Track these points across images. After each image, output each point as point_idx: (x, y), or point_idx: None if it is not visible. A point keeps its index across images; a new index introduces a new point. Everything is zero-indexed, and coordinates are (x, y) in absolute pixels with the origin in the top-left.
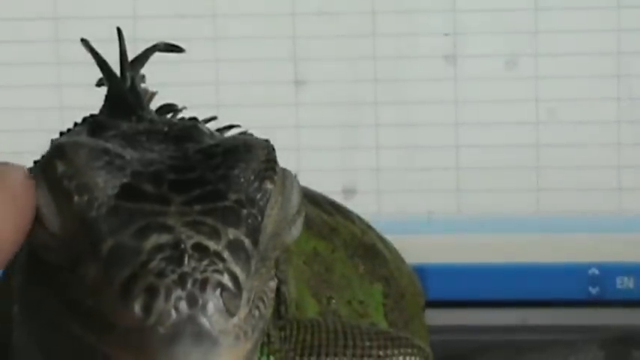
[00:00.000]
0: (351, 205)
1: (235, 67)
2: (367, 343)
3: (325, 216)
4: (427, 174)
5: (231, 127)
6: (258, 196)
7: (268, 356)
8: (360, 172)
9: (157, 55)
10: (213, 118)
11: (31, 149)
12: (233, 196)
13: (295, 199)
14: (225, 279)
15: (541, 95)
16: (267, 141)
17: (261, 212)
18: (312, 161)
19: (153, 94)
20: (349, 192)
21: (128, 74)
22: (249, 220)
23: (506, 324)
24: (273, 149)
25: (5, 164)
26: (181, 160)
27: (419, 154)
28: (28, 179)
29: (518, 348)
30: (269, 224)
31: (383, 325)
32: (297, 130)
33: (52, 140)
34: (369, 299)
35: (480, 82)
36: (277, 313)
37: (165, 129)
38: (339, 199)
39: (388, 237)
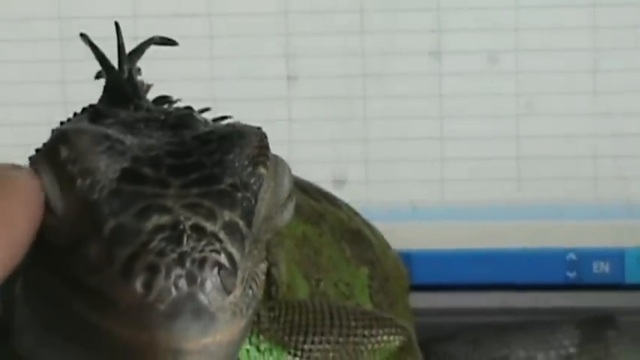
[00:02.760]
0: (341, 194)
1: (230, 63)
2: (353, 323)
3: (313, 203)
4: (413, 165)
5: (224, 117)
6: (252, 180)
7: (258, 335)
8: (350, 163)
9: (157, 51)
10: (207, 109)
11: (37, 141)
12: (228, 180)
13: (287, 184)
14: (222, 258)
15: (521, 89)
16: (259, 129)
17: (255, 196)
18: (304, 153)
19: (149, 87)
20: (339, 182)
21: (126, 66)
22: (244, 203)
23: (487, 306)
24: (266, 137)
25: (13, 168)
26: (179, 146)
27: (405, 145)
28: (37, 181)
29: (499, 328)
30: (262, 208)
31: (368, 306)
32: (290, 124)
33: (53, 130)
34: (355, 281)
35: (463, 77)
36: (268, 294)
37: (162, 117)
38: (329, 188)
39: (375, 224)
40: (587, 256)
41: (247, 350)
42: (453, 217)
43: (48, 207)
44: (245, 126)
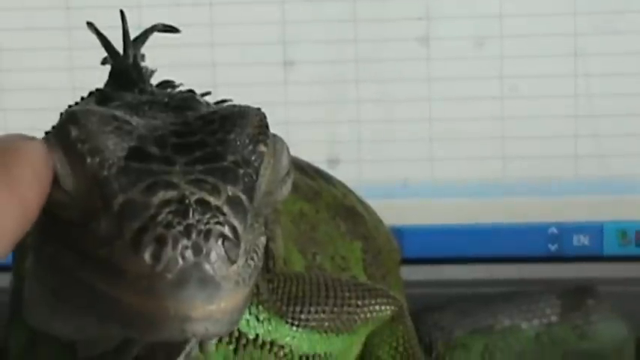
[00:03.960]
0: (335, 173)
1: (230, 50)
2: (347, 294)
3: (309, 181)
4: (403, 144)
5: (224, 101)
6: (253, 157)
7: (257, 306)
8: (343, 143)
9: (161, 39)
10: (208, 93)
11: (46, 126)
12: (231, 158)
13: (285, 161)
14: (226, 230)
15: (505, 72)
16: (259, 109)
17: (256, 172)
18: (300, 134)
19: (153, 72)
20: (333, 162)
21: (130, 52)
22: (246, 179)
23: (474, 278)
24: (265, 117)
25: (24, 138)
26: (183, 126)
27: (396, 126)
28: (46, 151)
29: (485, 298)
30: (263, 183)
31: (362, 277)
32: (286, 107)
33: (62, 113)
34: (350, 255)
35: (450, 62)
36: (266, 268)
37: (166, 100)
38: (324, 168)
39: (368, 201)
40: (567, 230)
41: (247, 320)
42: (442, 193)
43: (59, 184)
44: (246, 106)
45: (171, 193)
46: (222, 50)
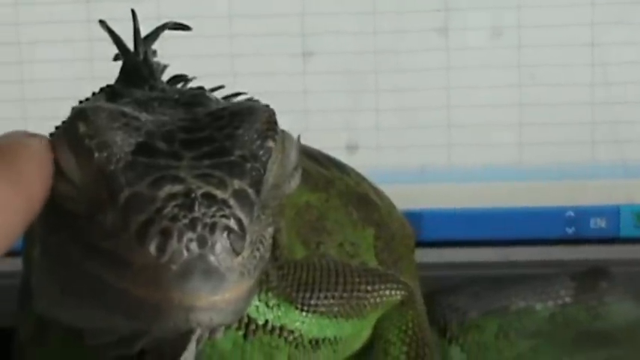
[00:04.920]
0: (354, 159)
1: (250, 41)
2: (356, 280)
3: (323, 170)
4: (422, 131)
5: (238, 94)
6: (261, 152)
7: (267, 292)
8: (362, 131)
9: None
10: (222, 87)
11: (65, 115)
12: (238, 152)
13: (294, 156)
14: (232, 223)
15: (523, 61)
16: (267, 106)
17: (264, 166)
18: (320, 122)
19: (165, 67)
20: (352, 148)
21: (141, 49)
22: (253, 173)
23: (493, 260)
24: (274, 113)
25: (28, 137)
26: (191, 122)
27: (414, 114)
28: (47, 146)
29: (500, 281)
30: (270, 177)
31: (373, 263)
32: (306, 96)
33: (73, 107)
34: (361, 242)
35: (468, 52)
36: (274, 257)
37: (176, 96)
38: (343, 154)
39: (387, 187)
40: (584, 213)
41: (257, 306)
42: (459, 179)
43: (66, 178)
44: (255, 103)
45: (177, 187)
46: (242, 41)
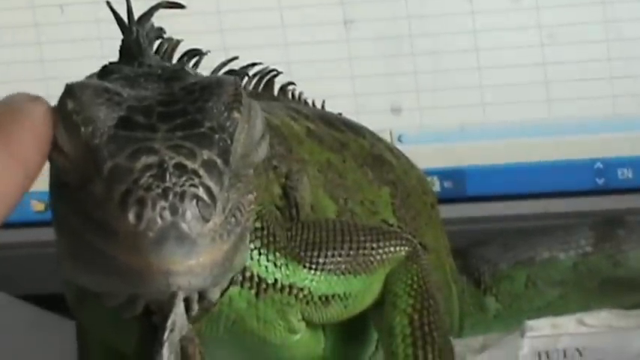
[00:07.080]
0: (399, 120)
1: (298, 11)
2: (362, 238)
3: (337, 134)
4: (457, 92)
5: (254, 64)
6: (228, 123)
7: (274, 253)
8: (404, 93)
9: (231, 3)
10: (236, 58)
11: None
12: (207, 124)
13: (259, 125)
14: (200, 191)
15: (542, 22)
16: (235, 79)
17: (231, 137)
18: (365, 87)
19: (177, 42)
20: (396, 110)
21: (134, 27)
22: (221, 144)
23: (528, 213)
24: (240, 85)
25: (28, 101)
26: (168, 96)
27: (448, 76)
28: (47, 110)
29: (526, 232)
30: (238, 147)
31: (392, 220)
32: (350, 62)
33: (67, 84)
34: (379, 200)
35: (491, 15)
36: (290, 216)
37: (159, 72)
38: (388, 117)
39: (428, 146)
40: (612, 164)
41: (265, 266)
42: (495, 135)
43: (62, 151)
44: (223, 77)
45: (152, 158)
46: (292, 12)
